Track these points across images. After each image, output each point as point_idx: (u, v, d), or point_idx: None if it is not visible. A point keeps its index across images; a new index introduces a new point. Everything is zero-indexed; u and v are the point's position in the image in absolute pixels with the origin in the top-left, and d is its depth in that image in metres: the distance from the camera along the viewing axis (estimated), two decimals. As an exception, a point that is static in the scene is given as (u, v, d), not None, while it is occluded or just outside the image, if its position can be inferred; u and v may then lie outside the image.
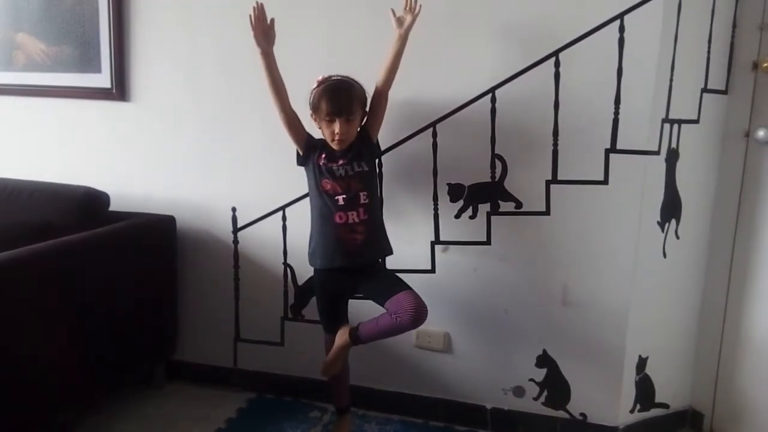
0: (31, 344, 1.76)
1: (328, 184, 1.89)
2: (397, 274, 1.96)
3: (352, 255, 1.90)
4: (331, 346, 1.99)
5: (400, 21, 1.86)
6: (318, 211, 1.93)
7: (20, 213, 2.19)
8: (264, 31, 1.83)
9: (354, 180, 1.89)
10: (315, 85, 1.89)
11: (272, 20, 1.83)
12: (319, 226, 1.93)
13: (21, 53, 2.51)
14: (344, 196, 1.87)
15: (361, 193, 1.89)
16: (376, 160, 2.07)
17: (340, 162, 1.89)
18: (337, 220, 1.88)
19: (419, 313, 1.79)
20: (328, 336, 2.03)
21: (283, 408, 2.33)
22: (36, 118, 2.55)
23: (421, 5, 1.85)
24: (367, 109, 1.93)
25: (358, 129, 1.92)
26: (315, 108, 1.88)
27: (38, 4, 2.44)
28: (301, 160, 1.97)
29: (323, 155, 1.91)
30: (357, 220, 1.88)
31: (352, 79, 1.91)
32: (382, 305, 1.86)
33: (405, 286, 1.87)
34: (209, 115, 2.33)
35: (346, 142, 1.87)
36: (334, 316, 2.01)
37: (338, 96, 1.84)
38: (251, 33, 1.81)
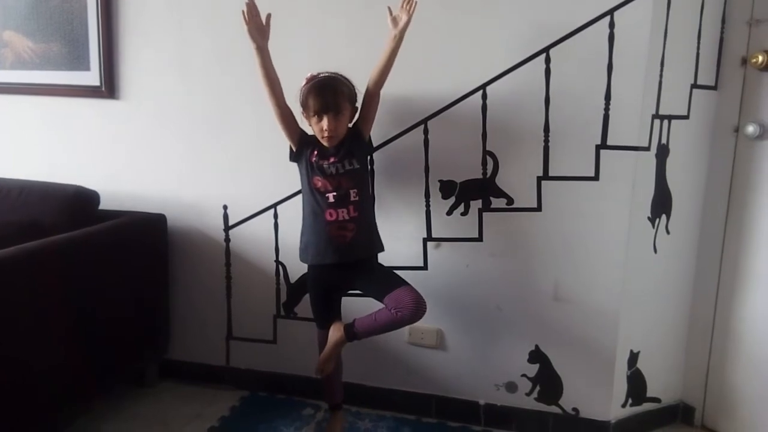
0: (22, 343, 1.75)
1: (319, 182, 1.90)
2: (392, 271, 1.97)
3: (343, 251, 1.90)
4: (324, 342, 1.99)
5: (395, 20, 1.84)
6: (309, 207, 1.93)
7: (9, 212, 2.17)
8: (258, 27, 1.82)
9: (345, 178, 1.89)
10: (304, 83, 1.89)
11: (268, 15, 1.83)
12: (311, 222, 1.93)
13: (8, 51, 2.49)
14: (335, 193, 1.88)
15: (352, 191, 1.89)
16: (368, 158, 2.06)
17: (331, 159, 1.89)
18: (328, 217, 1.88)
19: (419, 307, 1.82)
20: (321, 332, 2.03)
21: (276, 406, 2.33)
22: (24, 117, 2.54)
23: (416, 3, 1.84)
24: (357, 105, 1.93)
25: (349, 126, 1.92)
26: (304, 105, 1.89)
27: (26, 1, 2.42)
28: (294, 156, 1.97)
29: (315, 152, 1.91)
30: (347, 217, 1.88)
31: (341, 76, 1.91)
32: (381, 301, 1.87)
33: (403, 282, 1.88)
34: (200, 112, 2.32)
35: (335, 139, 1.87)
36: (327, 312, 2.01)
37: (325, 93, 1.84)
38: (245, 28, 1.80)
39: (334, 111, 1.83)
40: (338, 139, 1.88)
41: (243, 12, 1.79)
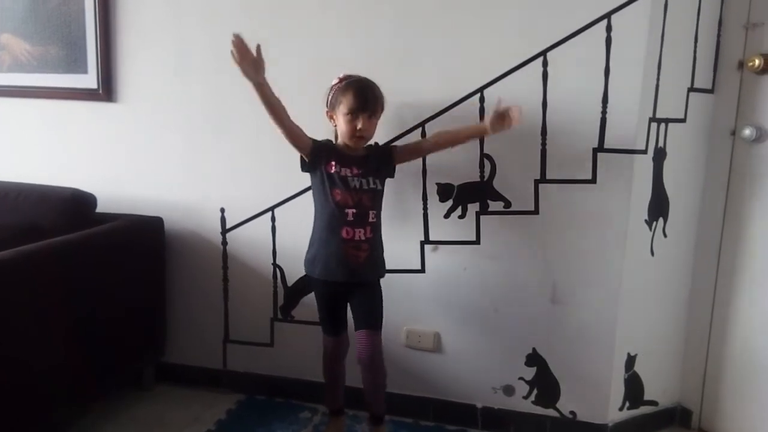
0: (20, 345, 1.74)
1: (339, 195, 1.86)
2: (381, 301, 1.96)
3: (353, 271, 1.88)
4: (330, 347, 2.00)
5: (500, 120, 1.81)
6: (325, 220, 1.89)
7: (7, 215, 2.17)
8: (252, 62, 1.69)
9: (366, 196, 1.87)
10: (335, 82, 1.88)
11: (258, 47, 1.70)
12: (324, 236, 1.90)
13: (6, 54, 2.49)
14: (354, 211, 1.85)
15: (371, 212, 1.88)
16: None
17: (355, 171, 1.86)
18: (344, 234, 1.85)
19: (362, 353, 1.91)
20: (326, 337, 2.02)
21: (273, 409, 2.32)
22: (22, 120, 2.53)
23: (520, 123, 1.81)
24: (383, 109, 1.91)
25: (387, 145, 1.94)
26: (336, 103, 1.85)
27: (23, 4, 2.42)
28: (307, 167, 1.92)
29: (333, 162, 1.87)
30: (363, 237, 1.86)
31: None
32: (355, 329, 1.92)
33: (373, 323, 1.92)
34: (197, 115, 2.32)
35: (364, 140, 1.86)
36: (334, 321, 2.00)
37: (366, 92, 1.82)
38: (237, 68, 1.69)
39: (370, 112, 1.82)
40: (366, 142, 1.87)
41: (232, 52, 1.67)
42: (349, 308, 1.99)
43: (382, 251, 1.98)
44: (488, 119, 1.84)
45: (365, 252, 1.88)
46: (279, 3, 2.16)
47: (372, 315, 1.93)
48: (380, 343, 1.94)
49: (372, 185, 1.88)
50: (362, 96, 1.81)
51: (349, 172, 1.86)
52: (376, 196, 1.90)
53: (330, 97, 1.89)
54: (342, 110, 1.83)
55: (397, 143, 2.04)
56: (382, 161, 1.92)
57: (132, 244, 2.25)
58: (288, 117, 1.84)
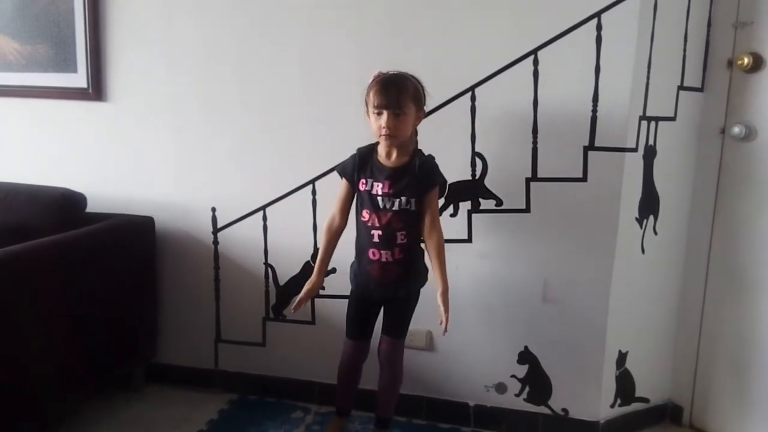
0: (7, 347, 1.73)
1: (366, 215, 1.83)
2: (412, 311, 1.96)
3: (385, 288, 1.87)
4: (349, 351, 1.98)
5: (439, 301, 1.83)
6: (358, 237, 1.89)
7: (-4, 215, 2.15)
8: (314, 292, 1.93)
9: (396, 217, 1.81)
10: (370, 80, 1.82)
11: (299, 299, 1.90)
12: (358, 251, 1.89)
13: (-6, 53, 2.47)
14: (380, 232, 1.81)
15: (399, 233, 1.81)
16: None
17: (386, 188, 1.80)
18: (371, 256, 1.83)
19: (381, 354, 1.95)
20: (347, 340, 1.99)
21: (265, 409, 2.32)
22: (11, 119, 2.51)
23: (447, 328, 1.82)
24: (425, 108, 1.85)
25: (432, 183, 1.84)
26: (367, 101, 1.80)
27: (12, 3, 2.40)
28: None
29: (363, 179, 1.83)
30: (391, 259, 1.83)
31: (410, 75, 1.81)
32: (382, 333, 1.94)
33: (396, 333, 1.94)
34: (188, 114, 2.30)
35: (394, 139, 1.77)
36: (360, 326, 1.97)
37: (389, 89, 1.74)
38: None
39: (395, 108, 1.73)
40: (398, 141, 1.79)
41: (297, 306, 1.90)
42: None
43: (420, 266, 1.91)
44: (439, 299, 1.81)
45: (395, 273, 1.84)
46: (272, 2, 2.15)
47: (396, 325, 1.94)
48: (401, 349, 1.97)
49: (404, 205, 1.80)
50: (385, 92, 1.74)
51: (380, 189, 1.81)
52: (408, 217, 1.82)
53: (365, 96, 1.82)
54: (370, 109, 1.78)
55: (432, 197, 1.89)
56: (422, 186, 1.82)
57: (122, 244, 2.23)
58: (338, 227, 1.91)
